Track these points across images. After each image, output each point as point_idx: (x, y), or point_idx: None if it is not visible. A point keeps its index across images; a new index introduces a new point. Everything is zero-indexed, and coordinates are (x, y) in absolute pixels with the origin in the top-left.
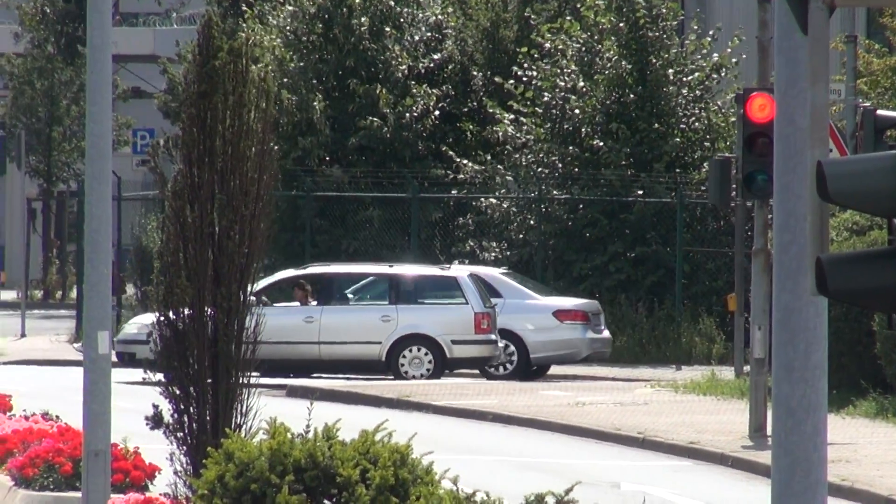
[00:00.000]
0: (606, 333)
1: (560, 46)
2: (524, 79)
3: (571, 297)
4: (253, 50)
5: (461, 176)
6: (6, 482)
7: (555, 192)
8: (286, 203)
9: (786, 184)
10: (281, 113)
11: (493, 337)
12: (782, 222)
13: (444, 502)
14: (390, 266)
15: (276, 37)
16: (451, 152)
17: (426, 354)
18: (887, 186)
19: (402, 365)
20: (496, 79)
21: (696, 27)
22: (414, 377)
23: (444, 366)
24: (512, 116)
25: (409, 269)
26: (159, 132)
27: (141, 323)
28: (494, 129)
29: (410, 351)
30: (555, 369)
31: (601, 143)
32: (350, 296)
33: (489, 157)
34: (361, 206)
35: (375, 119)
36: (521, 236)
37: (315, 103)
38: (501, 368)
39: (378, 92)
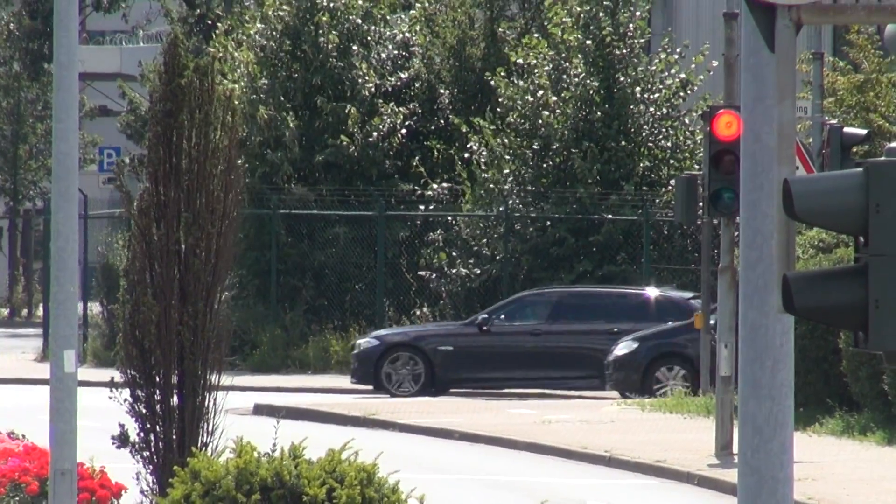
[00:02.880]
0: None
1: (532, 60)
2: (500, 98)
3: None
4: (224, 65)
5: (428, 192)
6: None
7: (529, 209)
8: (253, 221)
9: (752, 201)
10: (253, 129)
11: None
12: (749, 240)
13: None
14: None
15: (247, 51)
16: (420, 168)
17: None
18: (854, 204)
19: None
20: (474, 119)
21: (664, 45)
22: None
23: None
24: (478, 136)
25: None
26: (125, 150)
27: None
28: (466, 147)
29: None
30: (519, 386)
31: (575, 156)
32: None
33: (459, 169)
34: (328, 224)
35: (344, 138)
36: (486, 253)
37: (288, 120)
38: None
39: (347, 111)
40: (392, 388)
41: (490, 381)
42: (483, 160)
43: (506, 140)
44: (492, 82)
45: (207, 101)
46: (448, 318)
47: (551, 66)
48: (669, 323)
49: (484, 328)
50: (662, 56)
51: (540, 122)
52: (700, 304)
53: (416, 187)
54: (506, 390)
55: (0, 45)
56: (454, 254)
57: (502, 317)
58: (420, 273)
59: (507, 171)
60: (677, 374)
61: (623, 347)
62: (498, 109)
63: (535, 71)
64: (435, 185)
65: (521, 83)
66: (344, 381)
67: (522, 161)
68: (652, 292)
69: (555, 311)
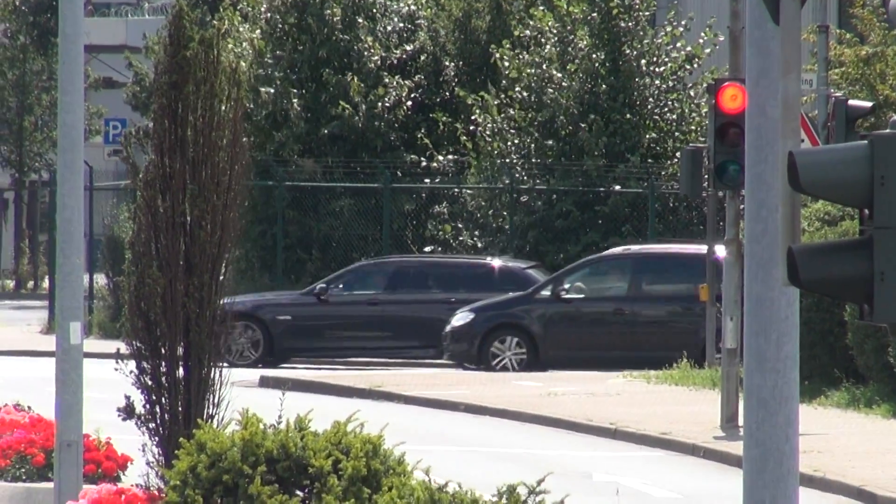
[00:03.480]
0: None
1: (536, 35)
2: (505, 71)
3: None
4: (228, 41)
5: (434, 165)
6: None
7: (535, 181)
8: (259, 194)
9: (757, 174)
10: (257, 106)
11: None
12: (754, 212)
13: (416, 493)
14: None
15: (254, 27)
16: (425, 140)
17: None
18: (859, 176)
19: None
20: (479, 92)
21: (670, 18)
22: None
23: None
24: (482, 109)
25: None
26: (131, 122)
27: None
28: (471, 120)
29: None
30: None
31: (581, 131)
32: None
33: (465, 141)
34: (333, 196)
35: (347, 107)
36: (494, 225)
37: (292, 98)
38: None
39: (350, 81)
40: (232, 357)
41: (328, 351)
42: (488, 133)
43: (511, 112)
44: (496, 55)
45: (213, 73)
46: None
47: (557, 38)
48: (509, 294)
49: (322, 297)
50: (668, 29)
51: (545, 95)
52: (540, 274)
53: (421, 159)
54: (344, 359)
55: (6, 17)
56: (460, 226)
57: (340, 286)
58: (426, 248)
59: (511, 144)
60: (511, 344)
61: (459, 318)
62: (503, 83)
63: (541, 43)
64: (441, 157)
65: (525, 56)
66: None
67: (527, 134)
68: (494, 262)
69: (393, 281)
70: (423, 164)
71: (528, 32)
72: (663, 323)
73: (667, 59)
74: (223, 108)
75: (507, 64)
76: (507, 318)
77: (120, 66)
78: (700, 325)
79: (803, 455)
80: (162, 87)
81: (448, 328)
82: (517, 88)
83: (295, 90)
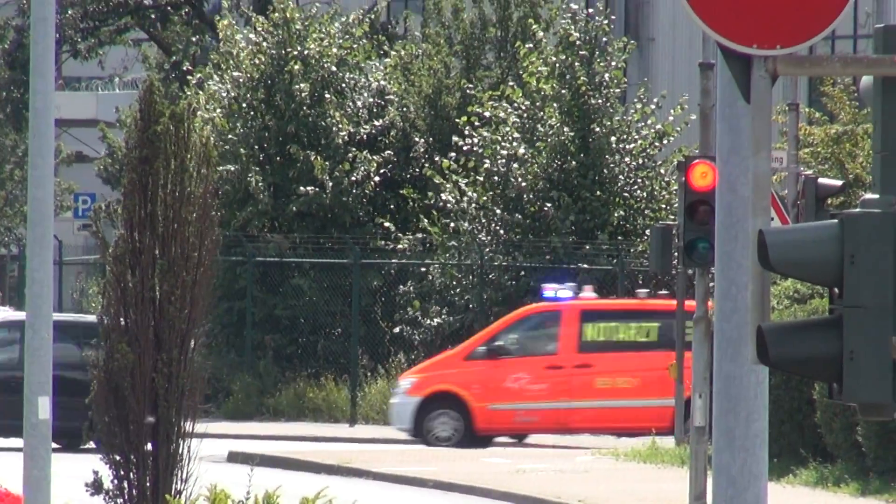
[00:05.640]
0: None
1: (501, 114)
2: (464, 147)
3: None
4: (194, 118)
5: (400, 246)
6: None
7: (500, 257)
8: (225, 270)
9: (727, 252)
10: (221, 182)
11: None
12: (724, 290)
13: None
14: None
15: (215, 107)
16: (387, 224)
17: None
18: (829, 255)
19: None
20: (437, 159)
21: (641, 95)
22: None
23: None
24: (451, 185)
25: None
26: (101, 197)
27: None
28: (439, 195)
29: None
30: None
31: (547, 208)
32: None
33: (428, 224)
34: (301, 273)
35: (313, 188)
36: (462, 302)
37: (251, 175)
38: None
39: (313, 159)
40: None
41: None
42: (458, 209)
43: (474, 193)
44: (460, 125)
45: (183, 148)
46: None
47: (526, 115)
48: None
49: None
50: (639, 106)
51: (511, 176)
52: None
53: (387, 243)
54: None
55: None
56: (429, 304)
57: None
58: (394, 327)
59: (478, 222)
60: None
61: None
62: (471, 162)
63: (508, 122)
64: (410, 236)
65: (489, 135)
66: (319, 430)
67: (493, 213)
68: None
69: None
70: (390, 245)
71: (487, 114)
72: None
73: (637, 137)
74: (193, 183)
75: (474, 140)
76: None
77: (91, 140)
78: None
79: None
80: (132, 162)
81: None
82: (484, 165)
83: (257, 167)
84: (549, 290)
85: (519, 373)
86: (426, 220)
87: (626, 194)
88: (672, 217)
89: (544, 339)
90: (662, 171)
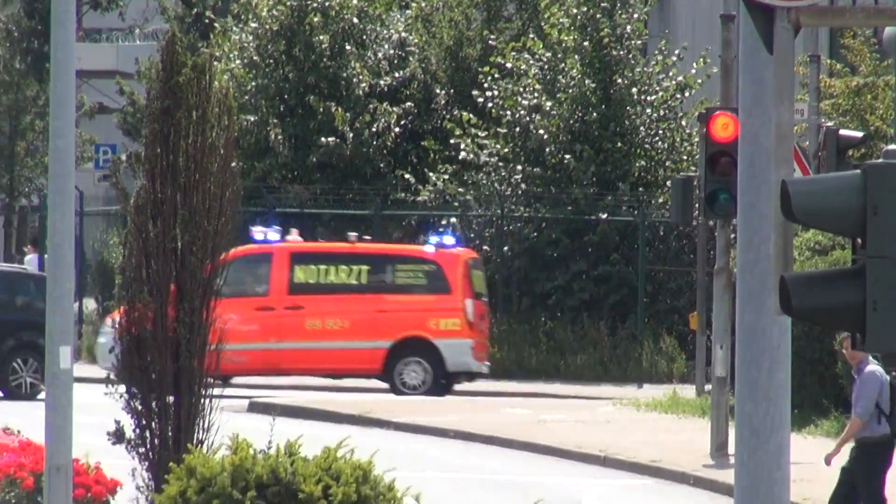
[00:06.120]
0: None
1: (522, 66)
2: (483, 99)
3: None
4: (215, 69)
5: (420, 198)
6: None
7: (522, 208)
8: (245, 221)
9: (749, 203)
10: (240, 133)
11: None
12: (746, 241)
13: None
14: None
15: (235, 57)
16: (407, 176)
17: None
18: (852, 206)
19: None
20: (457, 112)
21: (662, 47)
22: None
23: None
24: (470, 140)
25: None
26: (122, 148)
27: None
28: (460, 149)
29: None
30: (516, 387)
31: (568, 160)
32: None
33: (447, 177)
34: (321, 224)
35: (333, 139)
36: (482, 254)
37: (270, 127)
38: None
39: (334, 111)
40: None
41: None
42: (478, 162)
43: (498, 146)
44: (479, 95)
45: (205, 99)
46: None
47: (547, 67)
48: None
49: None
50: (660, 58)
51: (532, 127)
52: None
53: (408, 194)
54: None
55: (0, 43)
56: None
57: None
58: None
59: (500, 174)
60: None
61: None
62: (493, 112)
63: (530, 74)
64: (431, 186)
65: (510, 86)
66: (340, 380)
67: (515, 166)
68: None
69: None
70: (411, 196)
71: (509, 65)
72: None
73: (658, 88)
74: (214, 134)
75: (494, 91)
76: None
77: (111, 92)
78: None
79: (793, 484)
80: (154, 113)
81: None
82: (505, 117)
83: (277, 119)
84: (259, 232)
85: (228, 314)
86: (443, 177)
87: (647, 146)
88: (693, 169)
89: (255, 281)
90: (684, 122)
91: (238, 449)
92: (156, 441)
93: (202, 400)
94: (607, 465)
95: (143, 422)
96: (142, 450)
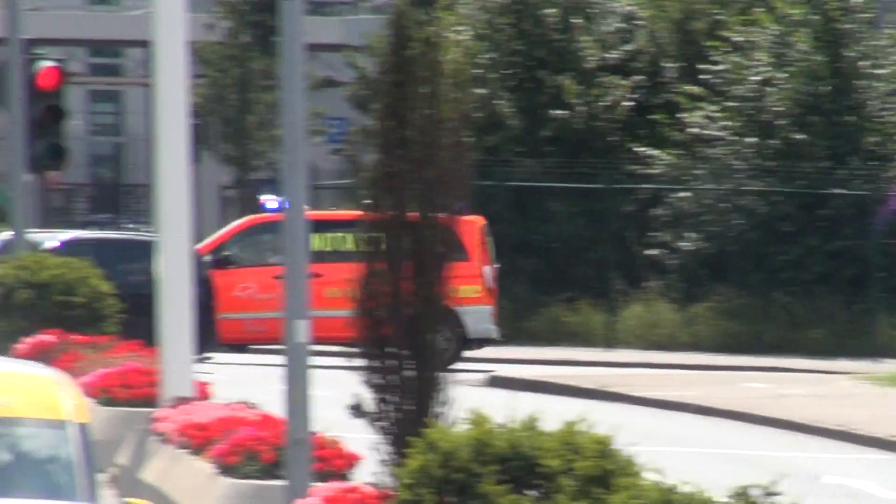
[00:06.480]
0: None
1: (752, 39)
2: (711, 75)
3: None
4: (443, 41)
5: (651, 171)
6: (208, 469)
7: (753, 182)
8: (476, 194)
9: None
10: (471, 107)
11: None
12: None
13: (649, 493)
14: None
15: (466, 28)
16: (641, 149)
17: None
18: None
19: None
20: (685, 87)
21: (890, 19)
22: None
23: None
24: (700, 114)
25: None
26: (352, 121)
27: None
28: (689, 123)
29: None
30: (753, 360)
31: (800, 136)
32: None
33: (679, 151)
34: (553, 197)
35: (563, 112)
36: (716, 228)
37: (504, 100)
38: None
39: (565, 84)
40: None
41: None
42: (709, 136)
43: (728, 123)
44: (712, 59)
45: (435, 73)
46: (676, 292)
47: (776, 40)
48: None
49: None
50: (890, 31)
51: (765, 97)
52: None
53: (639, 167)
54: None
55: (227, 16)
56: (680, 230)
57: None
58: (646, 252)
59: (731, 148)
60: None
61: None
62: (723, 85)
63: (759, 47)
64: (661, 161)
65: (740, 59)
66: (575, 354)
67: (744, 140)
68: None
69: None
70: (641, 168)
71: (738, 38)
72: None
73: (889, 63)
74: (445, 107)
75: (718, 69)
76: None
77: (337, 65)
78: None
79: None
80: (385, 87)
81: None
82: (733, 91)
83: (507, 92)
84: (271, 200)
85: (247, 283)
86: (673, 151)
87: (878, 119)
88: None
89: (271, 250)
90: None
91: (478, 423)
92: (395, 415)
93: (439, 374)
94: (847, 439)
95: (383, 396)
96: (383, 424)
